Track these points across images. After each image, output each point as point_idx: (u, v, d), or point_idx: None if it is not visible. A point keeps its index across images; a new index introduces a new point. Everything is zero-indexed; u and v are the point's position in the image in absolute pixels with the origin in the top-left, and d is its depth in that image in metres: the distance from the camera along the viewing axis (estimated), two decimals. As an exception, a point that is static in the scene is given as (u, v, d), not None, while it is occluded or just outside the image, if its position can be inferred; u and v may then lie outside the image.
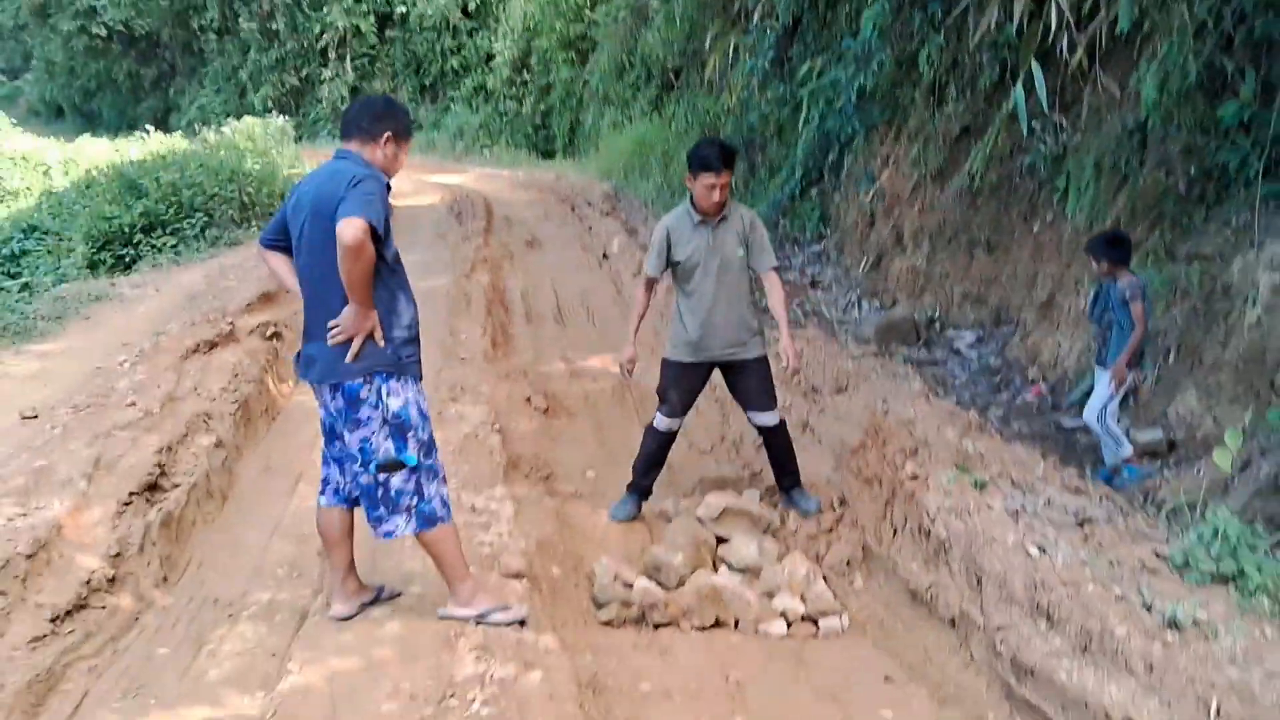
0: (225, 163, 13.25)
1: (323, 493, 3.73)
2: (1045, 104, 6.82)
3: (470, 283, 9.91)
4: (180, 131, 24.46)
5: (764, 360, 5.01)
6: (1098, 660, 3.08)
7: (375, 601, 3.85)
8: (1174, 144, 6.78)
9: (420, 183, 19.11)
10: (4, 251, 14.66)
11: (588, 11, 22.54)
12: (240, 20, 30.99)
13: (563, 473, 5.80)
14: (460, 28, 27.15)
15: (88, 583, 4.00)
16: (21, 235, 15.23)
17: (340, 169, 3.41)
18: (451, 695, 3.14)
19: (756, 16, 10.49)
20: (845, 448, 5.27)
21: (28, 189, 23.16)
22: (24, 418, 5.81)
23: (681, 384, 5.02)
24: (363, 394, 3.38)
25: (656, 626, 4.11)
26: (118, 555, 4.25)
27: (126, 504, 4.66)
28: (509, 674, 3.24)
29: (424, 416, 3.53)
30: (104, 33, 35.03)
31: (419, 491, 3.50)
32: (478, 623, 3.61)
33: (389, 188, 3.46)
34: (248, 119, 20.42)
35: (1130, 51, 7.04)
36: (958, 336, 8.66)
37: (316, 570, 4.42)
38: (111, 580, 4.14)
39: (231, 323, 7.49)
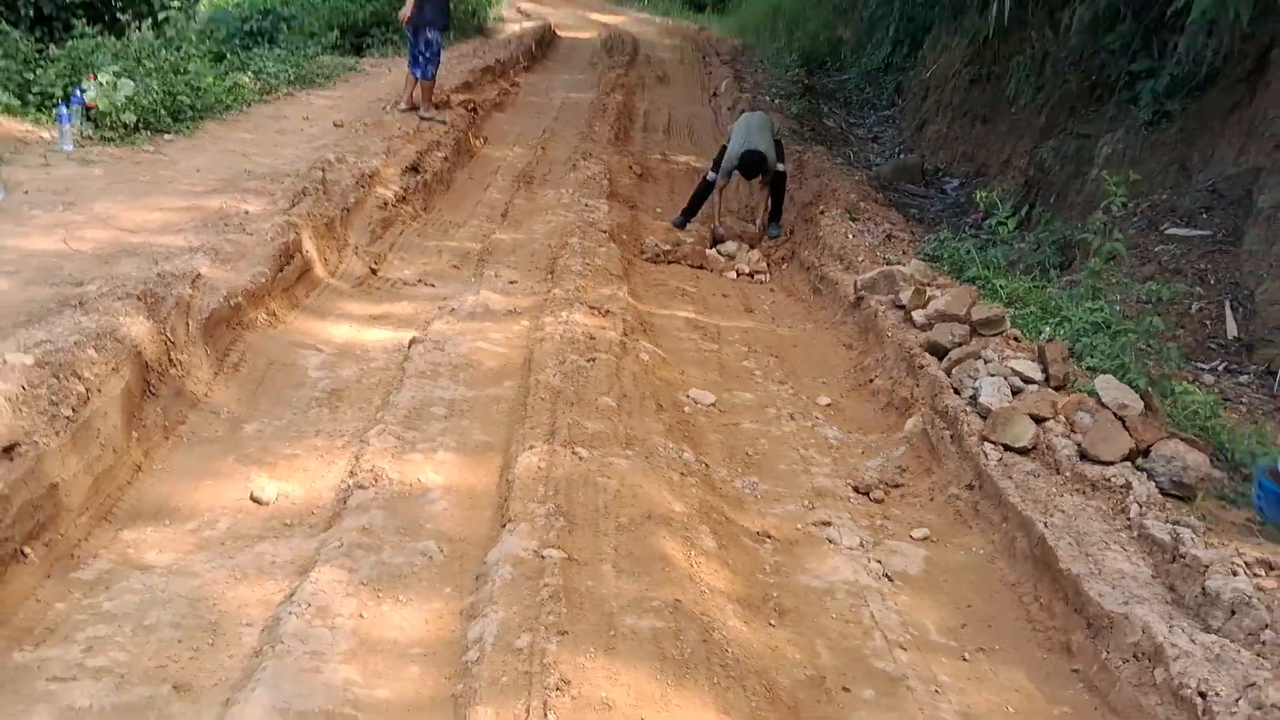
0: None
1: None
2: (1005, 18, 10.44)
3: (608, 99, 14.04)
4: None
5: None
6: (848, 269, 7.22)
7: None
8: (1091, 58, 10.42)
9: (584, 19, 23.16)
10: (247, 28, 19.26)
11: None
12: None
13: (642, 206, 10.05)
14: (641, -124, 30.54)
15: (393, 194, 8.43)
16: (260, 16, 19.79)
17: None
18: (571, 234, 7.45)
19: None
20: (804, 205, 9.37)
21: (248, -21, 27.87)
22: (335, 125, 10.27)
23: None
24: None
25: (670, 262, 8.35)
26: (404, 189, 8.68)
27: (403, 171, 9.06)
28: (591, 245, 7.53)
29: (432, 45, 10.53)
30: None
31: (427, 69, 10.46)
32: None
33: None
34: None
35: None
36: (948, 181, 12.48)
37: (502, 213, 8.78)
38: (402, 199, 8.57)
39: (447, 96, 11.82)
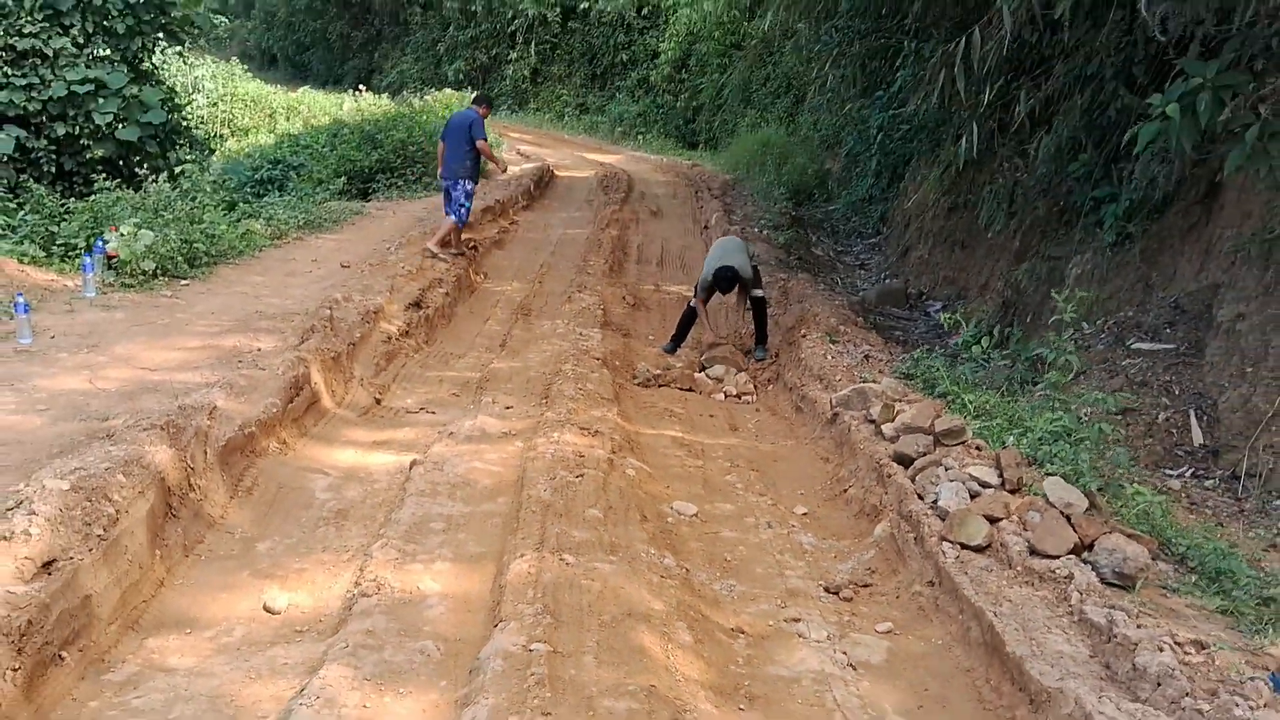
0: (436, 128, 18.50)
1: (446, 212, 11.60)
2: (975, 149, 11.13)
3: (603, 234, 14.75)
4: (386, 94, 30.20)
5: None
6: (827, 388, 7.67)
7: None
8: (1058, 185, 11.08)
9: (580, 159, 24.22)
10: (258, 176, 20.24)
11: (745, 24, 27.23)
12: (445, -2, 36.98)
13: (635, 333, 10.59)
14: (633, 25, 32.19)
15: (396, 329, 8.97)
16: (270, 165, 20.80)
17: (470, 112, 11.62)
18: (565, 362, 7.94)
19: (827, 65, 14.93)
20: (788, 329, 9.89)
21: (256, 128, 29.21)
22: (342, 265, 10.91)
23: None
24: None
25: (660, 385, 8.83)
26: (407, 324, 9.24)
27: (407, 307, 9.63)
28: (584, 371, 8.02)
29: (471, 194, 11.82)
30: (325, -5, 41.62)
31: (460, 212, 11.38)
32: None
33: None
34: (446, 90, 25.88)
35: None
36: (931, 304, 13.05)
37: (500, 344, 9.30)
38: (405, 333, 9.11)
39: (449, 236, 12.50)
